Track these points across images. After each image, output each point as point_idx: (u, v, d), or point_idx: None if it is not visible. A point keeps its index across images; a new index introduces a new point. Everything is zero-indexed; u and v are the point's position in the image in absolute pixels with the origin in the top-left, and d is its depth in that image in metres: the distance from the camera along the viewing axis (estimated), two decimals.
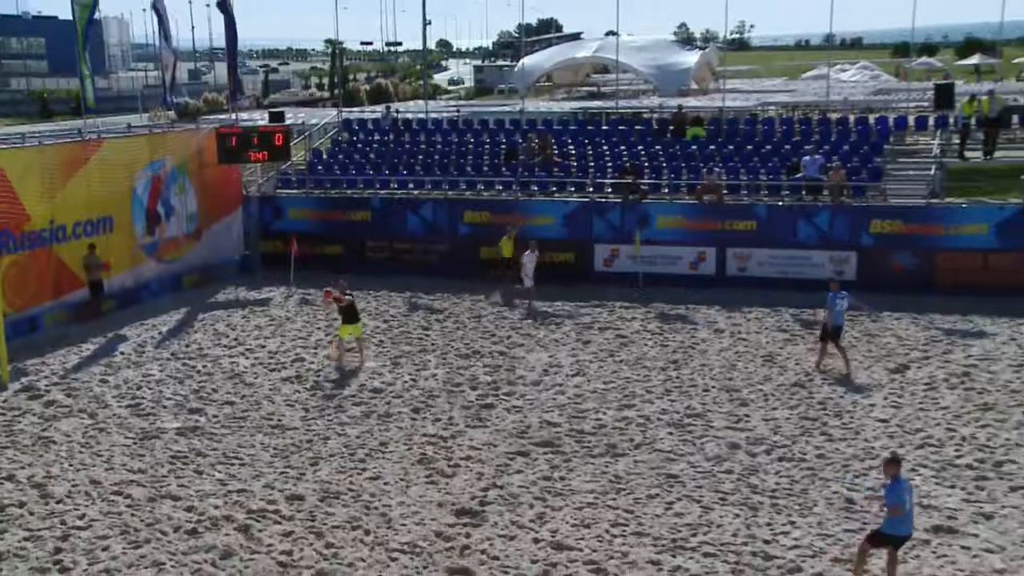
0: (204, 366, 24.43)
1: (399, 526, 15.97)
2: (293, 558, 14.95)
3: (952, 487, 17.15)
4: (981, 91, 40.34)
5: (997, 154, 34.71)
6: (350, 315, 24.00)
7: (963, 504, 16.48)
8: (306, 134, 41.23)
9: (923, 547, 15.10)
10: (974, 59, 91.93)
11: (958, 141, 35.46)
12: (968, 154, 35.11)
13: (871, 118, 38.95)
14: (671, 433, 19.74)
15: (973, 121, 35.55)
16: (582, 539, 15.46)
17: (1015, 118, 36.99)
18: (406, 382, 23.10)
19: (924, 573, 14.38)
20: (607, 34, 74.52)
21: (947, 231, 29.95)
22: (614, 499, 16.84)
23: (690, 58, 74.95)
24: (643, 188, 33.15)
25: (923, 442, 19.05)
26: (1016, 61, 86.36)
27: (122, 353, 25.51)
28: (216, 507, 16.64)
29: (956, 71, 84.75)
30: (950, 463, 18.10)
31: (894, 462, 13.21)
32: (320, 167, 38.31)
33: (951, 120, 36.58)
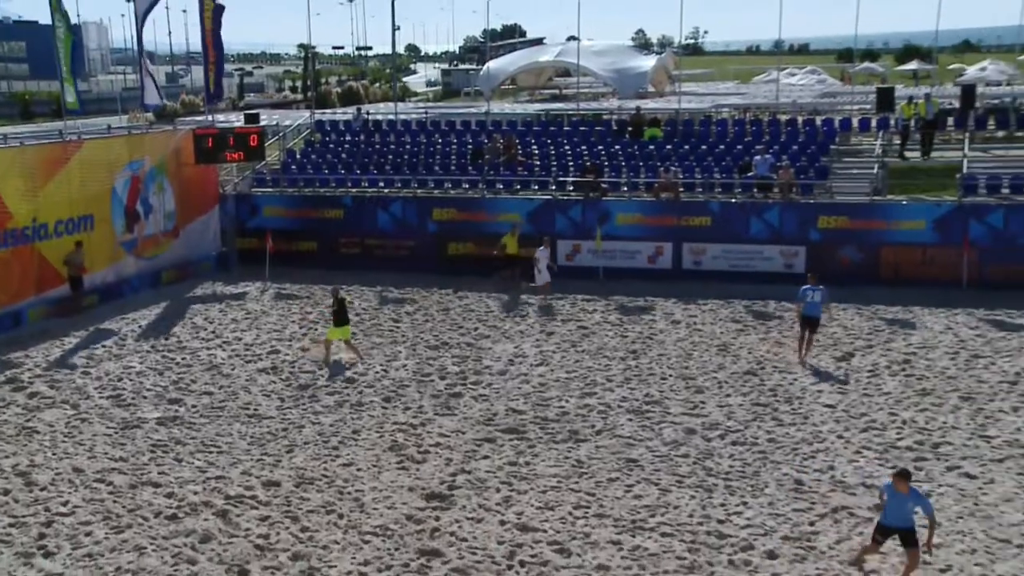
0: (183, 358, 24.26)
1: (371, 510, 15.94)
2: (270, 541, 14.90)
3: (893, 468, 17.26)
4: (919, 95, 40.62)
5: (933, 154, 35.00)
6: (340, 318, 23.88)
7: None
8: (280, 135, 41.04)
9: (867, 524, 15.20)
10: (912, 65, 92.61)
11: (898, 142, 35.72)
12: (907, 154, 35.39)
13: (818, 120, 39.15)
14: (630, 419, 19.79)
15: (912, 123, 35.88)
16: (546, 521, 15.48)
17: (950, 120, 37.28)
18: (377, 372, 23.03)
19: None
20: (568, 39, 74.57)
21: (889, 227, 30.19)
22: (576, 483, 16.88)
23: (647, 62, 74.98)
24: (603, 186, 33.23)
25: (867, 426, 19.23)
26: (951, 67, 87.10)
27: (103, 346, 25.30)
28: (195, 493, 16.55)
29: (895, 76, 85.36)
30: (892, 445, 18.30)
31: (904, 475, 13.17)
32: (294, 167, 38.12)
33: (892, 122, 36.87)
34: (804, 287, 23.29)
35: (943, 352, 23.69)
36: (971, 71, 74.73)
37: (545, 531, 15.15)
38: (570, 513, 15.74)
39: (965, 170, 32.27)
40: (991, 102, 40.64)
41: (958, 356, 23.42)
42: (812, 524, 15.30)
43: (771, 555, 14.36)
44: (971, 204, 30.18)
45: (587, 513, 15.74)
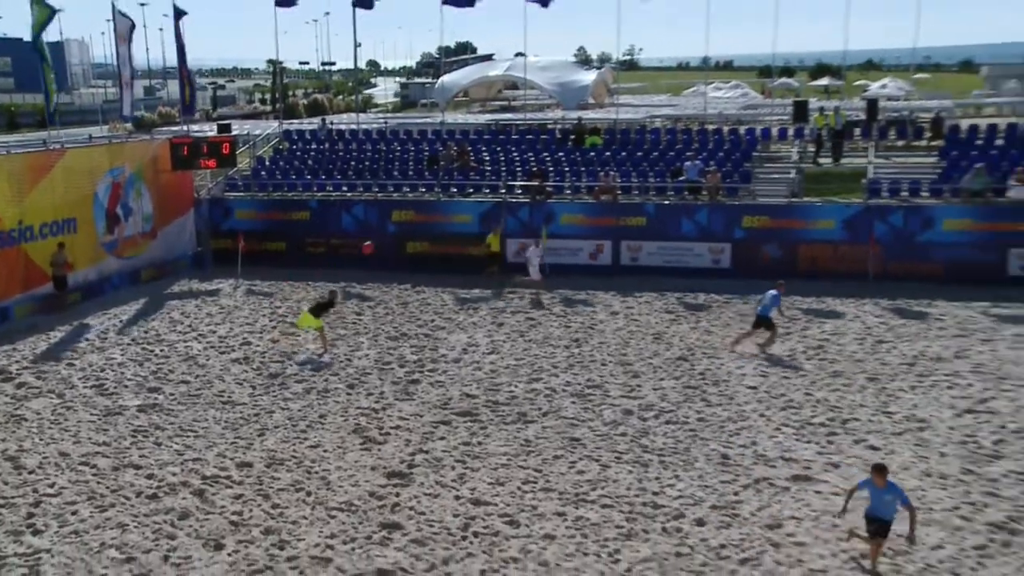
0: (161, 350, 23.98)
1: (337, 487, 15.88)
2: (243, 518, 14.81)
3: (808, 442, 17.54)
4: (829, 108, 41.08)
5: (843, 160, 35.43)
6: (318, 311, 23.66)
7: (817, 456, 16.91)
8: (251, 143, 40.57)
9: (783, 493, 15.44)
10: (824, 81, 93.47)
11: (812, 149, 36.11)
12: (820, 160, 35.80)
13: (741, 129, 39.54)
14: (574, 402, 19.84)
15: (824, 132, 36.28)
16: (497, 495, 15.50)
17: (856, 130, 37.70)
18: (342, 361, 22.91)
19: (785, 514, 14.72)
20: (516, 55, 74.44)
21: (805, 226, 30.47)
22: (525, 460, 16.90)
23: (588, 76, 75.10)
24: (548, 189, 33.25)
25: (786, 405, 19.44)
26: (857, 83, 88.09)
27: (87, 339, 24.96)
28: (174, 474, 16.41)
29: (809, 90, 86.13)
30: (807, 422, 18.51)
31: (881, 470, 13.02)
32: (264, 172, 37.81)
33: (806, 131, 37.25)
34: (769, 291, 23.31)
35: (852, 338, 24.01)
36: (874, 87, 75.69)
37: (496, 504, 15.17)
38: (519, 488, 15.77)
39: (870, 175, 32.77)
40: (891, 115, 41.17)
41: (865, 341, 23.75)
42: (736, 494, 15.46)
43: (700, 522, 14.49)
44: (875, 205, 30.54)
45: (534, 488, 15.77)
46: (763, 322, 23.11)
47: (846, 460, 16.72)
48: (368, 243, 27.86)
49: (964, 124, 38.15)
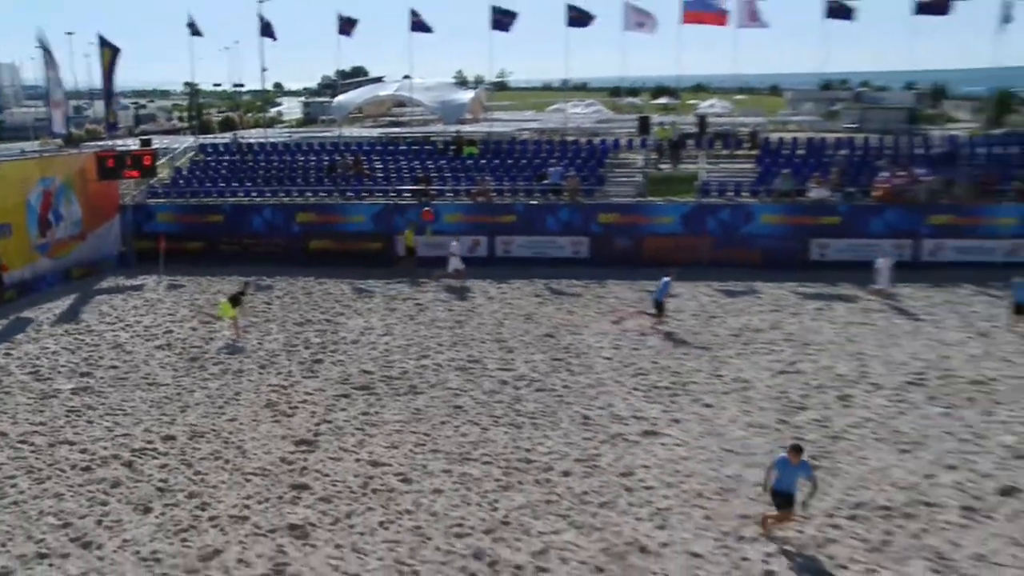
0: (92, 339, 23.03)
1: (252, 455, 15.56)
2: (169, 484, 14.44)
3: (655, 403, 17.91)
4: (667, 122, 41.84)
5: (680, 166, 36.10)
6: (234, 301, 22.95)
7: (662, 414, 17.28)
8: (170, 155, 39.30)
9: (635, 446, 15.73)
10: (663, 100, 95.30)
11: (655, 157, 36.70)
12: (661, 166, 36.41)
13: (595, 140, 39.83)
14: (457, 375, 19.82)
15: (664, 143, 36.93)
16: (392, 457, 15.41)
17: (690, 141, 38.35)
18: (254, 345, 22.37)
19: (637, 464, 15.01)
20: (404, 77, 73.70)
21: (650, 221, 30.99)
22: (415, 426, 16.83)
23: (466, 95, 74.67)
24: (432, 192, 33.07)
25: (636, 372, 19.79)
26: (690, 102, 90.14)
27: (23, 331, 23.80)
28: (105, 448, 15.86)
29: (651, 107, 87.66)
30: (654, 386, 18.89)
31: (797, 450, 12.52)
32: (182, 181, 36.64)
33: (649, 142, 37.83)
34: (663, 278, 23.48)
35: (690, 314, 24.53)
36: (703, 106, 77.41)
37: (391, 465, 15.08)
38: (411, 450, 15.71)
39: (702, 178, 33.52)
40: (718, 128, 42.10)
41: (700, 317, 24.32)
42: (596, 448, 15.70)
43: (566, 473, 14.67)
44: (707, 204, 31.29)
45: (424, 449, 15.74)
46: (658, 305, 23.36)
47: (686, 417, 17.13)
48: (428, 209, 26.13)
49: (774, 137, 39.24)
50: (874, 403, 17.71)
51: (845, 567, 11.86)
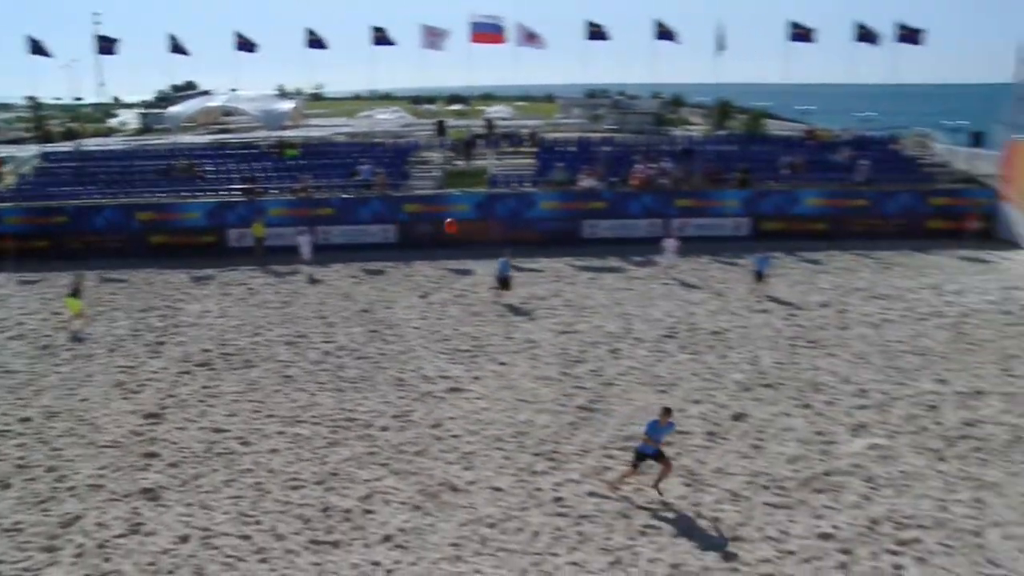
0: None
1: (104, 430, 15.04)
2: (27, 460, 13.79)
3: (458, 364, 18.49)
4: (460, 125, 42.35)
5: (473, 162, 36.74)
6: (75, 295, 21.62)
7: (464, 373, 17.86)
8: (15, 163, 36.09)
9: (442, 402, 16.24)
10: (457, 106, 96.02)
11: (451, 155, 37.16)
12: (457, 162, 36.91)
13: (400, 142, 39.84)
14: (286, 349, 19.70)
15: (460, 143, 37.47)
16: (232, 424, 15.30)
17: (480, 142, 39.01)
18: (102, 332, 21.25)
19: (445, 416, 15.54)
20: (231, 90, 70.52)
21: (448, 209, 31.25)
22: (251, 395, 16.72)
23: (287, 105, 72.01)
24: (259, 190, 32.16)
25: (441, 339, 20.26)
26: (479, 108, 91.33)
27: None
28: None
29: (447, 113, 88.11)
30: (456, 349, 19.45)
31: (668, 411, 12.46)
32: (27, 186, 33.81)
33: (446, 142, 38.26)
34: (500, 259, 23.66)
35: (484, 287, 25.02)
36: (490, 111, 78.61)
37: (231, 431, 14.99)
38: (248, 416, 15.64)
39: (491, 172, 34.33)
40: (503, 130, 42.97)
41: (492, 290, 24.86)
42: (409, 405, 16.11)
43: (384, 429, 15.05)
44: (495, 193, 32.12)
45: (260, 415, 15.69)
46: (502, 281, 23.53)
47: (484, 374, 17.73)
48: (450, 220, 23.92)
49: (550, 137, 40.62)
50: (637, 354, 18.94)
51: (618, 488, 12.69)
